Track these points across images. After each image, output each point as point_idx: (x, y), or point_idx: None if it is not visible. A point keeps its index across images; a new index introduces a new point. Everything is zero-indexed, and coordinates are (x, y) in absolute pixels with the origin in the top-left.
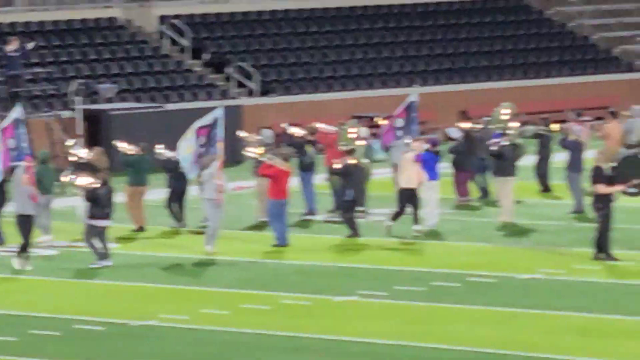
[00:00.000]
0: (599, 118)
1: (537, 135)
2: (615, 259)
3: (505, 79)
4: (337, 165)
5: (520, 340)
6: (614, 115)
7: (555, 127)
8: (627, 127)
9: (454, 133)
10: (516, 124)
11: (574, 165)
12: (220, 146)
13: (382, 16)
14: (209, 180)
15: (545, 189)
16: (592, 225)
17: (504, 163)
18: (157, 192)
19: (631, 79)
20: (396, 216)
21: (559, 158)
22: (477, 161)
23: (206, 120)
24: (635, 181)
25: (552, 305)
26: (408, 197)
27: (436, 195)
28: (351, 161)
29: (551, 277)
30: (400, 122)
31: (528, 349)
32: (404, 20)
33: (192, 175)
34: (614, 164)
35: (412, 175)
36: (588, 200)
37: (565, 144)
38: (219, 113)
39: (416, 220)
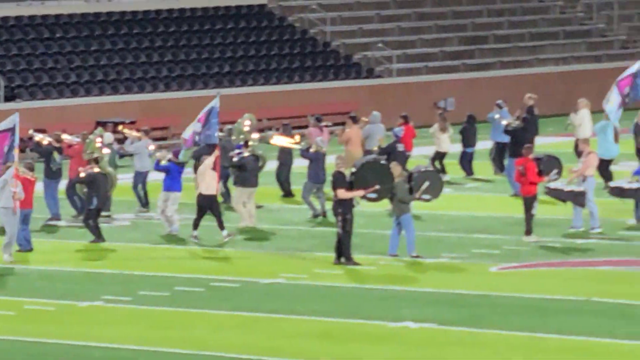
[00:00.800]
0: (339, 123)
1: None
2: (356, 264)
3: (248, 85)
4: (82, 174)
5: (264, 344)
6: (354, 120)
7: (297, 137)
8: (367, 132)
9: None
10: (257, 135)
11: (314, 175)
12: (16, 153)
13: (126, 22)
14: (4, 187)
15: (287, 194)
16: (334, 230)
17: (246, 174)
18: None
19: (371, 84)
20: (196, 223)
21: (301, 163)
22: (220, 168)
23: (4, 125)
24: (375, 186)
25: (294, 310)
26: (208, 204)
27: (175, 206)
28: (96, 170)
29: (293, 282)
30: (198, 127)
31: (271, 354)
32: (148, 26)
33: None
34: (354, 169)
35: (211, 182)
36: (329, 205)
37: (306, 155)
38: (15, 119)
39: (221, 226)
